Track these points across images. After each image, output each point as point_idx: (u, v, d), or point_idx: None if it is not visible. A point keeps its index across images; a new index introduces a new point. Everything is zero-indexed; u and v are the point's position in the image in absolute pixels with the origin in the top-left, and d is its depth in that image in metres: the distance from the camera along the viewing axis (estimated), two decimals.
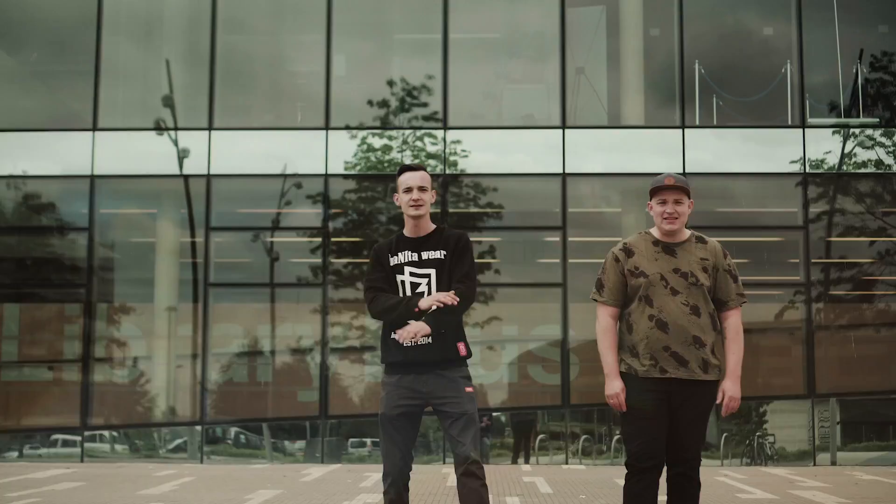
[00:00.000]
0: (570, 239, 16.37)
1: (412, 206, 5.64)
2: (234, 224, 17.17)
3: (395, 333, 5.61)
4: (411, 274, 5.67)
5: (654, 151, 16.84)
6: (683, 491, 5.52)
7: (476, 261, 5.90)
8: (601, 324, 5.59)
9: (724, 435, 16.37)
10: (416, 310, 5.52)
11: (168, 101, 17.09)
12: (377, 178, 16.95)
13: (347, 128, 16.83)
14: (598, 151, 16.98)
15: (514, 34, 18.20)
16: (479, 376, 16.24)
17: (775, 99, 17.08)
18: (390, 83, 17.13)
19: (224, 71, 17.13)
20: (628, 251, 5.58)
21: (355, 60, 17.94)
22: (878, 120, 17.06)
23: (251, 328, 17.23)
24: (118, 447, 16.67)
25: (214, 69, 16.82)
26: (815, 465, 15.87)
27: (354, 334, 16.86)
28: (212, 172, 16.63)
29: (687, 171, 16.27)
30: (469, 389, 5.64)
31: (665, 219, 5.51)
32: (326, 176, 16.67)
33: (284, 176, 16.73)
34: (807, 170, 16.60)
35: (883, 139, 16.81)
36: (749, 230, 17.21)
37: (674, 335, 5.40)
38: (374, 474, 12.35)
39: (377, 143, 16.79)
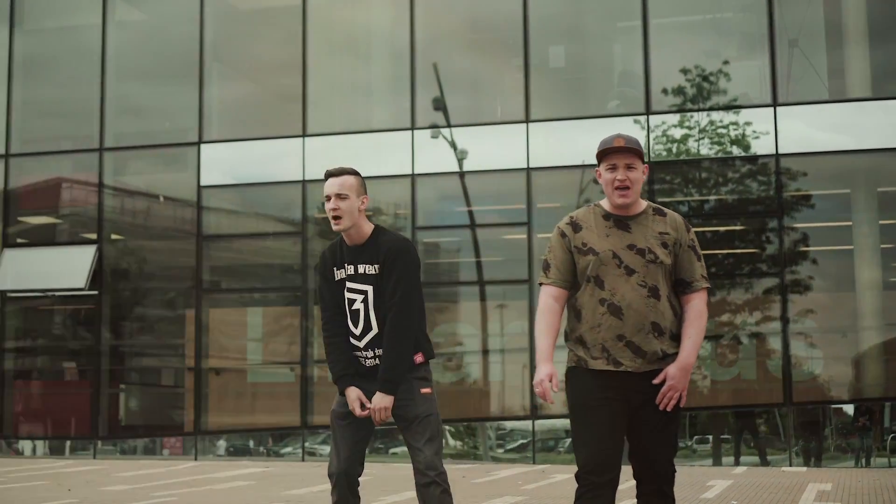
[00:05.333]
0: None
1: (332, 218, 5.19)
2: None
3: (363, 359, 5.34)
4: (348, 290, 5.30)
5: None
6: None
7: None
8: (540, 304, 4.78)
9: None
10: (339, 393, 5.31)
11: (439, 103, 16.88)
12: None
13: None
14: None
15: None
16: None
17: None
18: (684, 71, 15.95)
19: None
20: (575, 225, 4.78)
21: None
22: None
23: None
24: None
25: None
26: None
27: None
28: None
29: None
30: (425, 391, 5.27)
31: (616, 188, 4.70)
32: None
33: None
34: None
35: None
36: None
37: (629, 322, 4.61)
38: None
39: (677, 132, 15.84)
